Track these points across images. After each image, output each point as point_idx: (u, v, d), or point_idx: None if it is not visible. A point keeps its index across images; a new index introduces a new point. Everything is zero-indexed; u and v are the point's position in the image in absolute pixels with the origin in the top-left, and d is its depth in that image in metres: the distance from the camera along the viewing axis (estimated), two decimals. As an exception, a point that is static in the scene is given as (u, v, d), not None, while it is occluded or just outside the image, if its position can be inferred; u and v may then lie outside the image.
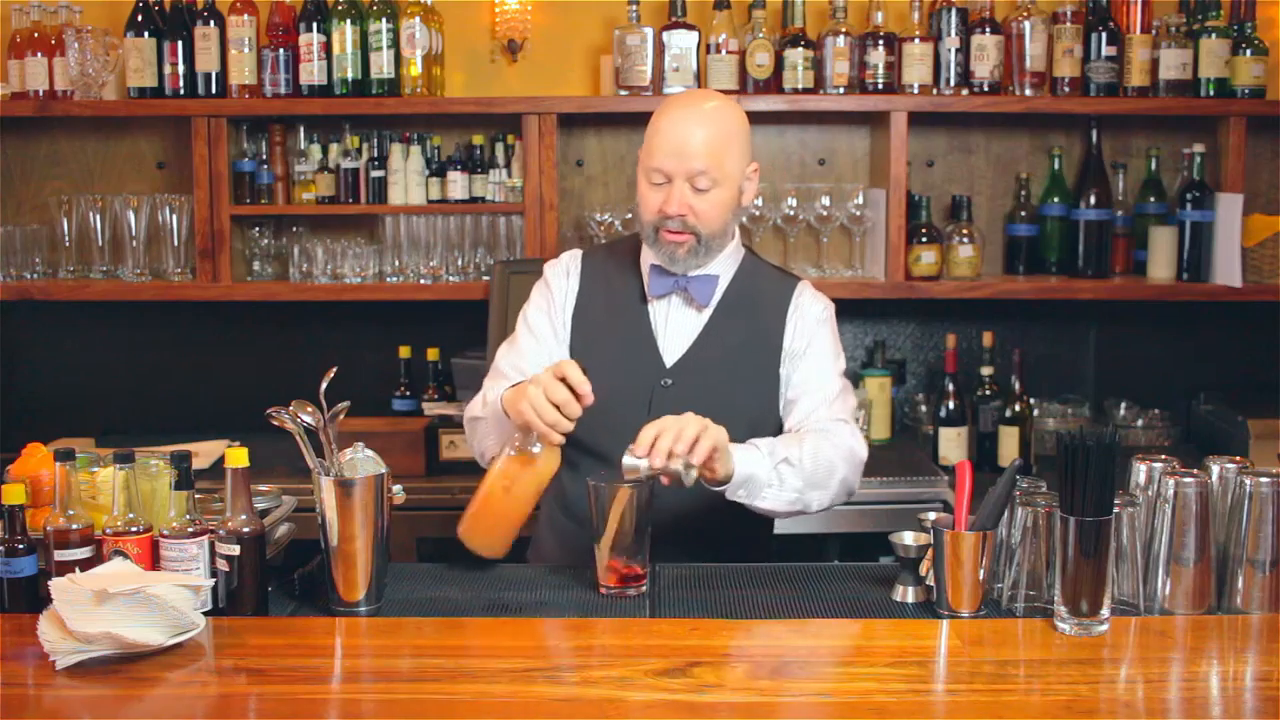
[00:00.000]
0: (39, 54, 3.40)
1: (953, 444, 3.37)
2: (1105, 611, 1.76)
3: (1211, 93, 3.35)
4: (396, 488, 1.95)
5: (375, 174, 3.42)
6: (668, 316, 2.29)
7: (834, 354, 2.33)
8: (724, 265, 2.31)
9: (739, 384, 2.27)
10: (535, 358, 2.29)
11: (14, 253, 3.47)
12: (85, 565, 1.83)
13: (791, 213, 3.49)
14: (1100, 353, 3.71)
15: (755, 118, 3.51)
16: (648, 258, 2.30)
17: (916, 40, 3.33)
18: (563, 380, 1.99)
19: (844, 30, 3.36)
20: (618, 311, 2.31)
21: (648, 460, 1.94)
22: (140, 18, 3.38)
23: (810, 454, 2.13)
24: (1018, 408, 3.33)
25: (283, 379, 3.32)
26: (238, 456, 1.85)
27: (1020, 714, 1.52)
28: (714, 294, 2.28)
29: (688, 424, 1.96)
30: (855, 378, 3.56)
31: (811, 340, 2.30)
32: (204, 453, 3.21)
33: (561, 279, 2.36)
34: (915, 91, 3.34)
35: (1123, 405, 3.59)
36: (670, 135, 2.17)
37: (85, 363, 3.71)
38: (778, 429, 2.29)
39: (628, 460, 1.95)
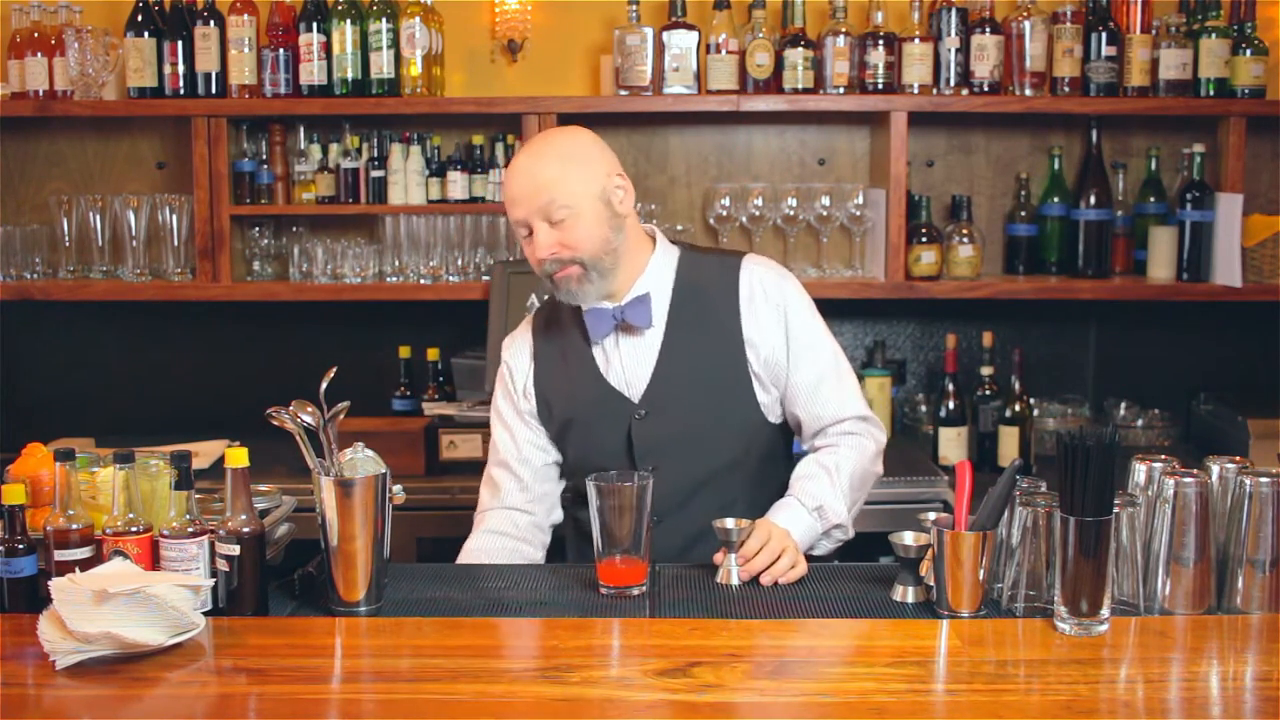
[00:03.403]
0: (39, 54, 3.40)
1: (953, 444, 3.37)
2: (1105, 611, 1.76)
3: (1211, 93, 3.35)
4: (396, 488, 1.95)
5: (375, 174, 3.42)
6: (620, 351, 2.23)
7: (814, 337, 2.25)
8: (654, 279, 2.23)
9: (714, 393, 2.22)
10: (512, 451, 2.32)
11: (14, 253, 3.47)
12: (85, 565, 1.83)
13: (791, 213, 3.49)
14: (1100, 353, 3.71)
15: (755, 118, 3.56)
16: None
17: (916, 40, 3.33)
18: None
19: (844, 30, 3.36)
20: (573, 363, 2.27)
21: (738, 566, 2.02)
22: (140, 18, 3.38)
23: (846, 481, 2.21)
24: (1018, 408, 3.33)
25: (283, 379, 3.34)
26: (238, 456, 1.85)
27: (1020, 714, 1.52)
28: (651, 313, 2.21)
29: (785, 555, 2.03)
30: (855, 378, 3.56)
31: (788, 331, 2.22)
32: (204, 453, 3.21)
33: (515, 358, 2.34)
34: (915, 91, 3.34)
35: (1123, 405, 3.59)
36: (511, 187, 2.15)
37: (85, 363, 3.71)
38: (757, 418, 2.25)
39: (728, 563, 2.03)
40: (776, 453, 2.34)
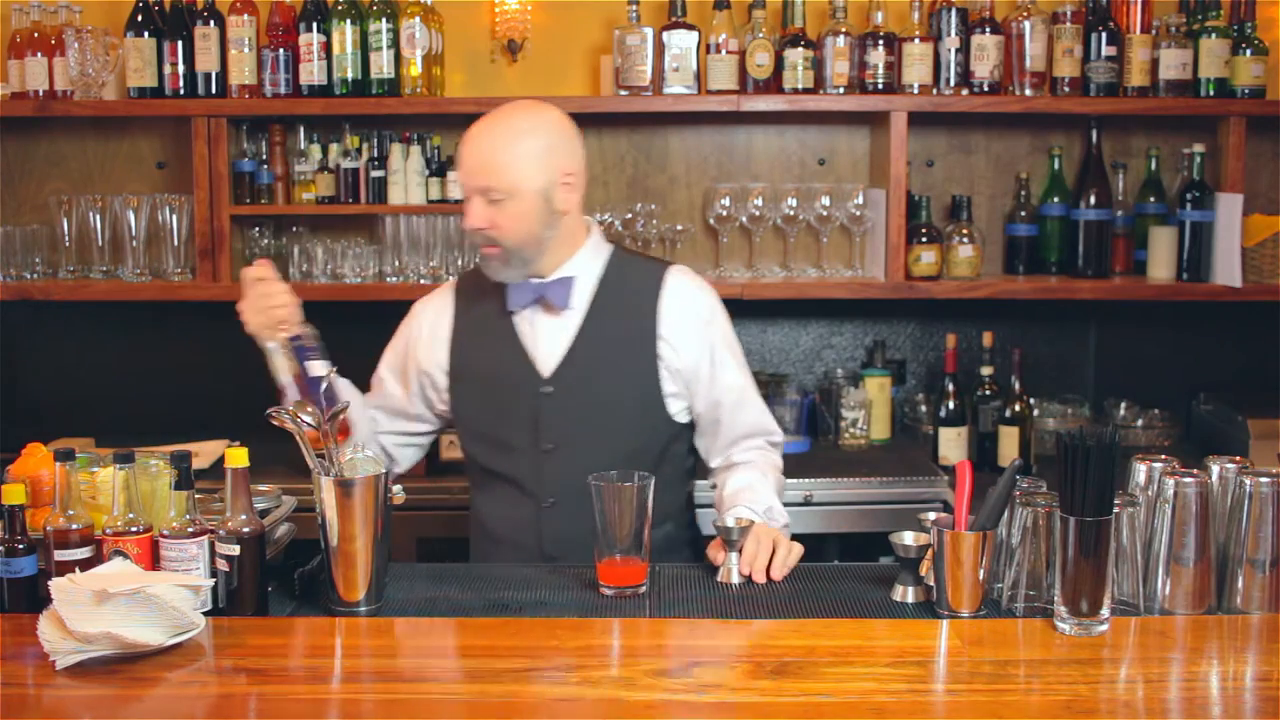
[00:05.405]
0: (39, 54, 3.40)
1: (953, 444, 3.37)
2: (1105, 611, 1.76)
3: (1211, 93, 3.35)
4: (396, 488, 1.95)
5: (375, 174, 3.42)
6: (536, 326, 2.27)
7: (735, 353, 2.33)
8: (582, 265, 2.27)
9: (620, 381, 2.25)
10: (383, 404, 2.42)
11: (14, 253, 3.47)
12: (85, 565, 1.83)
13: (791, 213, 3.49)
14: (1100, 353, 3.71)
15: (755, 118, 3.56)
16: None
17: (916, 40, 3.33)
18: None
19: (844, 30, 3.35)
20: (488, 330, 2.30)
21: (739, 568, 2.04)
22: (140, 18, 3.38)
23: (776, 488, 2.30)
24: (1018, 408, 3.33)
25: (283, 379, 3.32)
26: (238, 456, 1.86)
27: (1020, 714, 1.52)
28: (571, 295, 2.25)
29: (779, 546, 2.06)
30: (855, 378, 3.56)
31: (713, 351, 2.28)
32: (204, 453, 3.21)
33: (429, 315, 2.39)
34: (915, 91, 3.34)
35: (1123, 405, 3.59)
36: (465, 152, 2.18)
37: (85, 363, 3.71)
38: (660, 414, 2.28)
39: (728, 562, 2.04)
40: (677, 453, 2.36)
